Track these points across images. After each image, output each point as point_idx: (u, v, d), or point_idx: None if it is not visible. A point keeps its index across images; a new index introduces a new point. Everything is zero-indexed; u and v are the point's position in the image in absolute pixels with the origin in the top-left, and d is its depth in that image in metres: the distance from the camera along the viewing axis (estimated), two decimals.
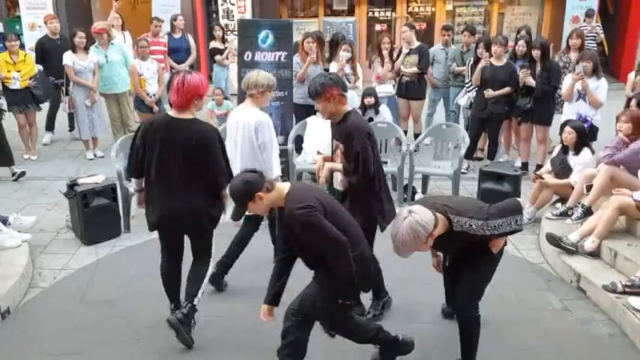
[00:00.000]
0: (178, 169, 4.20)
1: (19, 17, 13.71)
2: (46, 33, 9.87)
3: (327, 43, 9.09)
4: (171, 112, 4.26)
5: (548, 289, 5.43)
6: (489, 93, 7.92)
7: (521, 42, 8.37)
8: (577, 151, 6.55)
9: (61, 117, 10.38)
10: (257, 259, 5.55)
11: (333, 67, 8.41)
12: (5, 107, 8.46)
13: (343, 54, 8.37)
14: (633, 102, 6.86)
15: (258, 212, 3.91)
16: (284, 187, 3.69)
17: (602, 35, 12.69)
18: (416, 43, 9.07)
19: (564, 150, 6.70)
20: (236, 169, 4.73)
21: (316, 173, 4.90)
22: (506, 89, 7.92)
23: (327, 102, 4.34)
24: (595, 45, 11.93)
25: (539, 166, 7.81)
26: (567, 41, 8.99)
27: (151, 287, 5.31)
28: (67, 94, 9.37)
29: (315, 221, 3.45)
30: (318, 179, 4.84)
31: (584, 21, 12.56)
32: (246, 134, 5.07)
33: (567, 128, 6.65)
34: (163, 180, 4.24)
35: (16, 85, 8.68)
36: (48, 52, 9.40)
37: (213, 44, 10.85)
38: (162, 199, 4.28)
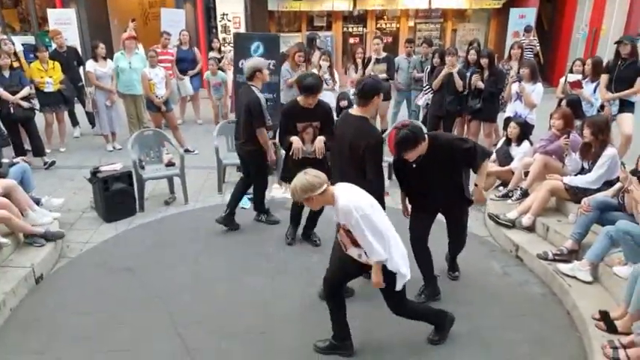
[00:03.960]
0: None
1: (47, 31, 13.50)
2: (55, 47, 9.67)
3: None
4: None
5: (492, 257, 5.48)
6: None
7: (472, 51, 8.39)
8: (519, 143, 6.61)
9: (82, 117, 10.26)
10: None
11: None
12: (38, 107, 8.33)
13: (323, 63, 8.31)
14: (563, 103, 6.92)
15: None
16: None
17: (538, 47, 12.73)
18: (383, 54, 9.06)
19: (507, 142, 6.76)
20: None
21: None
22: (460, 83, 7.87)
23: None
24: (532, 55, 11.95)
25: None
26: (509, 51, 9.04)
27: (162, 256, 5.44)
28: (79, 95, 9.45)
29: None
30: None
31: (523, 35, 12.57)
32: None
33: (512, 124, 6.71)
34: None
35: (49, 88, 8.53)
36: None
37: (212, 54, 10.83)
38: None
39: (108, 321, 4.37)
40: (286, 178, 5.39)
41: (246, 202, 6.70)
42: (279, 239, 5.80)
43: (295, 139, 5.24)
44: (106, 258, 5.44)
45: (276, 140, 5.75)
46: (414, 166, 4.09)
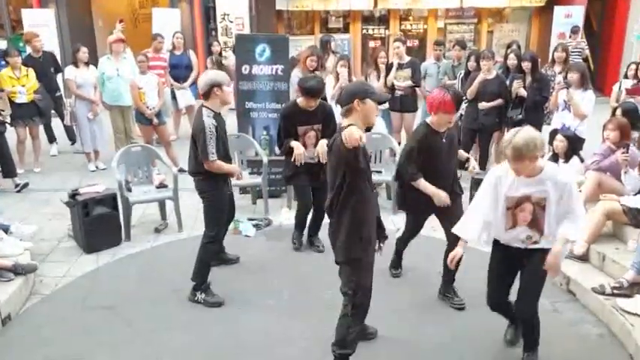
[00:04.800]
0: None
1: (22, 34, 13.68)
2: (29, 52, 9.79)
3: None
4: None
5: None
6: (482, 105, 7.91)
7: (512, 55, 8.38)
8: (567, 159, 6.56)
9: (61, 132, 10.38)
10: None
11: (330, 80, 8.33)
12: (8, 120, 8.38)
13: (342, 70, 8.26)
14: (618, 111, 6.88)
15: None
16: None
17: (587, 51, 12.74)
18: (406, 58, 9.06)
19: (554, 158, 6.70)
20: None
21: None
22: (498, 101, 7.91)
23: None
24: (581, 60, 11.96)
25: None
26: (553, 54, 9.04)
27: (149, 293, 5.40)
28: (56, 107, 9.60)
29: None
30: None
31: (570, 37, 12.63)
32: None
33: (558, 137, 6.68)
34: None
35: (22, 98, 8.62)
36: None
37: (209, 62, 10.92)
38: None
39: None
40: (290, 179, 5.95)
41: (249, 229, 6.68)
42: (283, 273, 5.79)
43: (296, 145, 5.50)
44: (84, 294, 5.41)
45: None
46: (444, 140, 4.71)
